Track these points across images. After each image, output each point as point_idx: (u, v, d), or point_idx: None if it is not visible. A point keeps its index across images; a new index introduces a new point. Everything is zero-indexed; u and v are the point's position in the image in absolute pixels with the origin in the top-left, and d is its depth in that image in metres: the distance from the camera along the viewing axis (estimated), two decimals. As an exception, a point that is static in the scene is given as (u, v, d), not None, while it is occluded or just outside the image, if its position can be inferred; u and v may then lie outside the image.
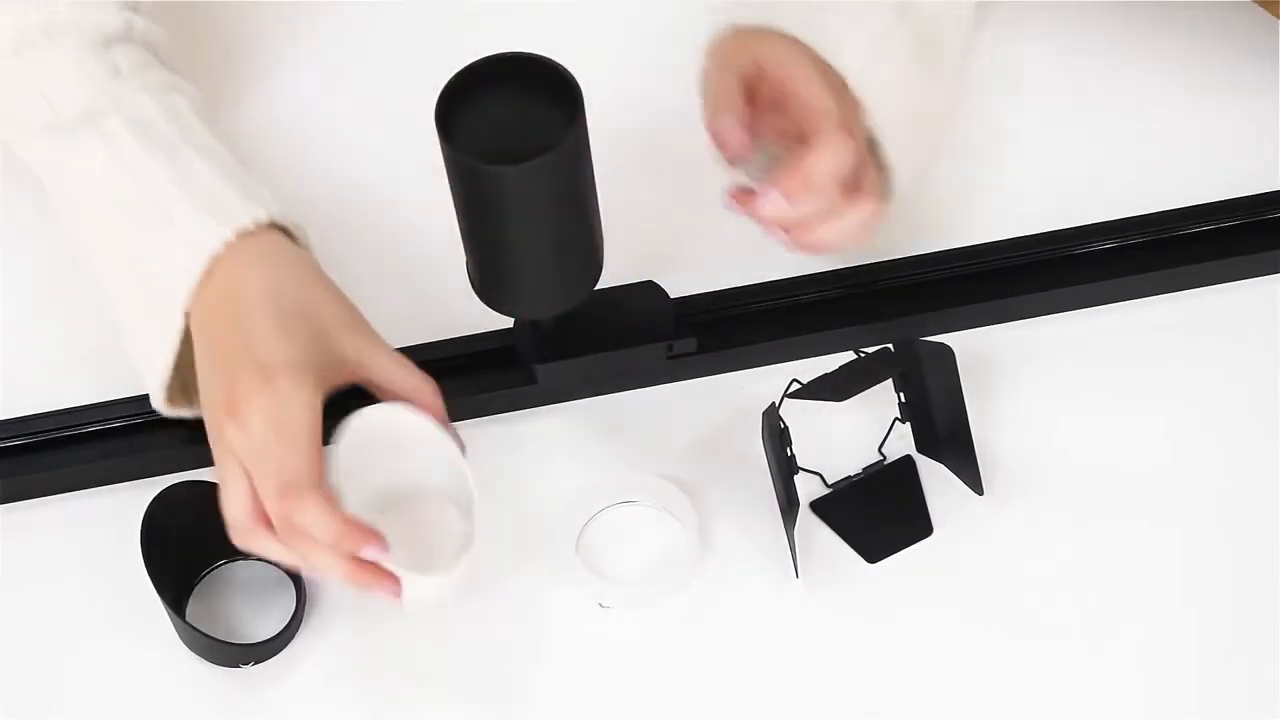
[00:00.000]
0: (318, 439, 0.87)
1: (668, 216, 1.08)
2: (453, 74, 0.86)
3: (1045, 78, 1.14)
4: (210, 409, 0.89)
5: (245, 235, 0.90)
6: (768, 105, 0.94)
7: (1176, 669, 0.92)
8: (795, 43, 0.94)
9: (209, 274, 0.89)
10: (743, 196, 0.92)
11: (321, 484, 0.86)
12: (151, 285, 0.91)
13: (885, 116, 0.95)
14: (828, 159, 0.89)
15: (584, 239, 0.92)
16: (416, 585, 0.88)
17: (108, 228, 0.93)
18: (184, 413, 0.95)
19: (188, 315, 0.90)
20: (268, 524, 0.87)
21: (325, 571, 0.86)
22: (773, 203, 0.90)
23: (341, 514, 0.85)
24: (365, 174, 1.10)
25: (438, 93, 0.86)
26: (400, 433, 0.92)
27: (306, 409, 0.86)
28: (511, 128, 0.87)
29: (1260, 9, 1.12)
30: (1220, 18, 1.14)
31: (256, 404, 0.85)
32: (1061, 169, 1.10)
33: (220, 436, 0.87)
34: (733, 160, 0.93)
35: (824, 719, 0.91)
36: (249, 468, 0.86)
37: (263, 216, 0.91)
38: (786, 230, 0.92)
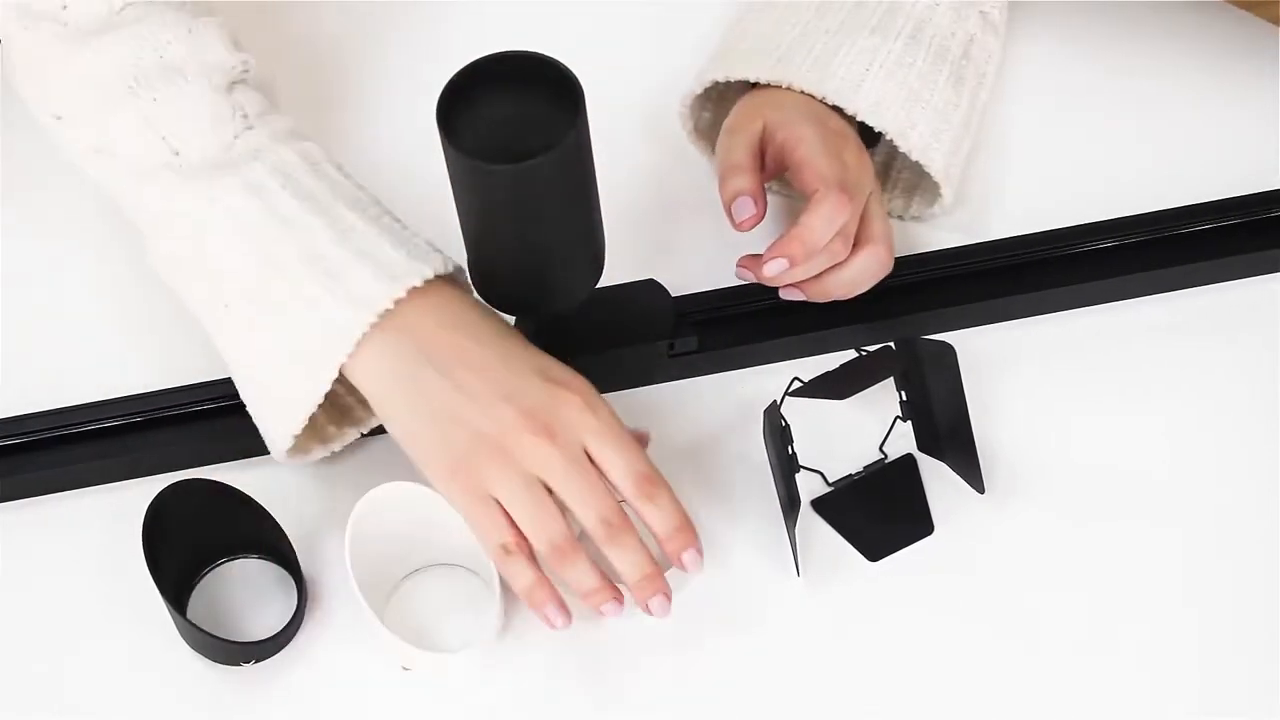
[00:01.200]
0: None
1: (669, 215, 1.08)
2: (454, 72, 0.86)
3: (1045, 78, 1.14)
4: (474, 444, 0.88)
5: (415, 292, 0.89)
6: (777, 166, 0.99)
7: (1177, 668, 0.92)
8: (802, 103, 0.99)
9: (378, 329, 0.88)
10: (750, 262, 0.97)
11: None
12: (302, 340, 0.89)
13: (914, 142, 1.00)
14: (824, 221, 0.94)
15: (585, 237, 0.92)
16: (441, 661, 0.92)
17: (248, 282, 0.90)
18: (298, 460, 0.95)
19: (341, 369, 0.89)
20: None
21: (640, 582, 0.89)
22: (775, 268, 0.95)
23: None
24: (365, 173, 1.09)
25: (438, 91, 0.86)
26: (411, 507, 0.92)
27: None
28: (512, 126, 0.86)
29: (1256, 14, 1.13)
30: (1218, 17, 1.14)
31: (573, 407, 0.88)
32: (1061, 169, 1.10)
33: (512, 460, 0.87)
34: (743, 229, 0.97)
35: (826, 716, 0.91)
36: (569, 478, 0.87)
37: (429, 274, 0.89)
38: (796, 286, 0.98)
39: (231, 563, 0.97)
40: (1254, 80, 1.12)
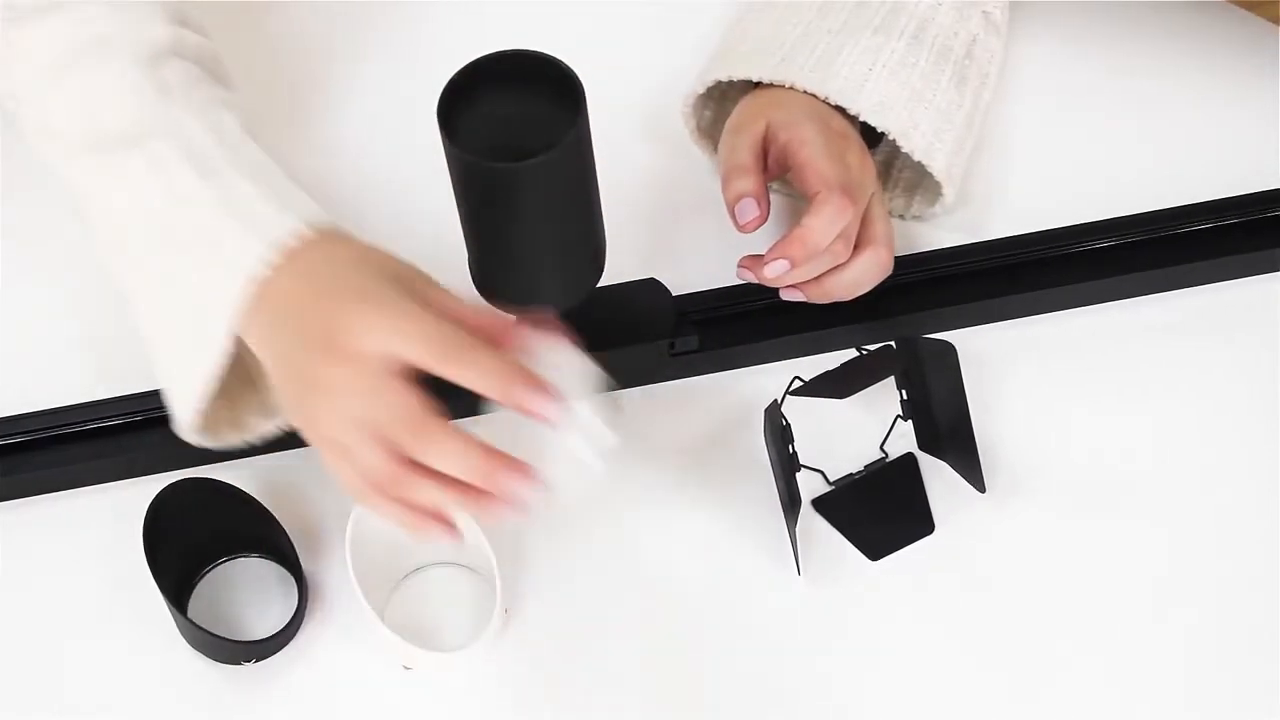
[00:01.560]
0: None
1: (669, 214, 1.08)
2: (455, 71, 0.86)
3: (1045, 77, 1.14)
4: (300, 385, 0.83)
5: (292, 252, 0.85)
6: (780, 167, 0.99)
7: (1177, 667, 0.92)
8: (805, 103, 0.99)
9: (260, 297, 0.85)
10: (751, 263, 0.97)
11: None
12: (196, 313, 0.87)
13: (917, 143, 1.00)
14: (826, 223, 0.94)
15: (586, 236, 0.92)
16: (442, 660, 0.91)
17: (148, 256, 0.89)
18: (210, 442, 0.92)
19: (238, 340, 0.86)
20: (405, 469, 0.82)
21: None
22: (776, 269, 0.95)
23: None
24: (366, 172, 1.10)
25: (439, 90, 0.86)
26: None
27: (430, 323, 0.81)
28: (514, 125, 0.86)
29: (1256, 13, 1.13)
30: (1218, 17, 1.14)
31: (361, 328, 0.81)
32: (1061, 168, 1.10)
33: (328, 394, 0.82)
34: (747, 231, 0.97)
35: (826, 716, 0.92)
36: (369, 413, 0.81)
37: (298, 227, 0.86)
38: (797, 286, 0.98)
39: (232, 562, 0.97)
40: (1254, 80, 1.12)
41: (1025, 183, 1.09)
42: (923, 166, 1.03)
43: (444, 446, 0.81)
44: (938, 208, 1.05)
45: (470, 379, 0.81)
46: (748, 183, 0.97)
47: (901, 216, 1.07)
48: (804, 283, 0.98)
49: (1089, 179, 1.09)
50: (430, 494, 0.82)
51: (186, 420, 0.90)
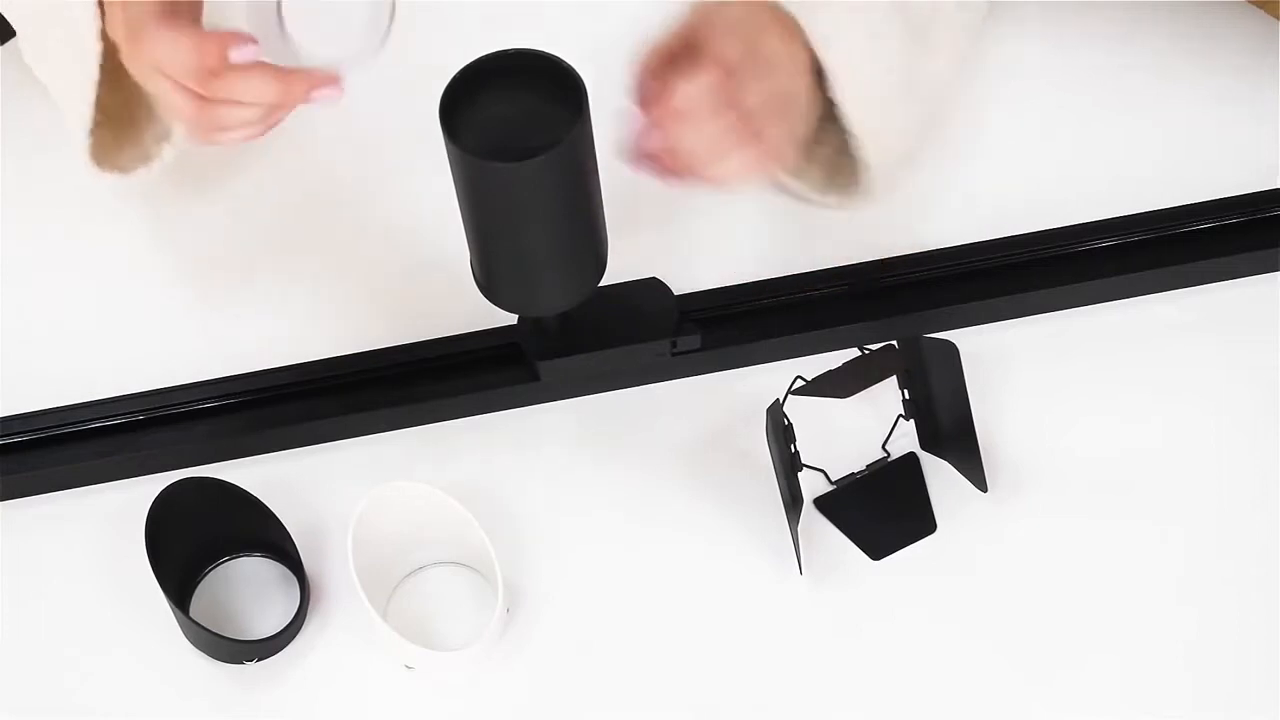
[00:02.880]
0: None
1: (671, 213, 1.08)
2: (457, 70, 0.86)
3: (1045, 77, 1.14)
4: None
5: None
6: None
7: (1178, 666, 0.92)
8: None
9: None
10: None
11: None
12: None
13: (858, 86, 0.94)
14: (691, 84, 0.86)
15: (588, 235, 0.92)
16: (443, 660, 0.91)
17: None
18: (112, 175, 0.95)
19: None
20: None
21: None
22: (645, 134, 0.89)
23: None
24: (369, 171, 1.09)
25: (441, 89, 0.86)
26: (412, 506, 0.92)
27: None
28: (515, 124, 0.86)
29: (1259, 9, 1.13)
30: (1218, 17, 1.15)
31: None
32: (1061, 168, 1.10)
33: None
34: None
35: (827, 715, 0.91)
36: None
37: None
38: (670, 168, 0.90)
39: (234, 561, 0.97)
40: (1255, 80, 1.12)
41: (1025, 182, 1.09)
42: (852, 142, 0.96)
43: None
44: (861, 191, 0.99)
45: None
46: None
47: (819, 199, 1.02)
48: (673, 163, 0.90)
49: (1089, 178, 1.09)
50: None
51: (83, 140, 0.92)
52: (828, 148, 1.01)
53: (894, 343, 0.95)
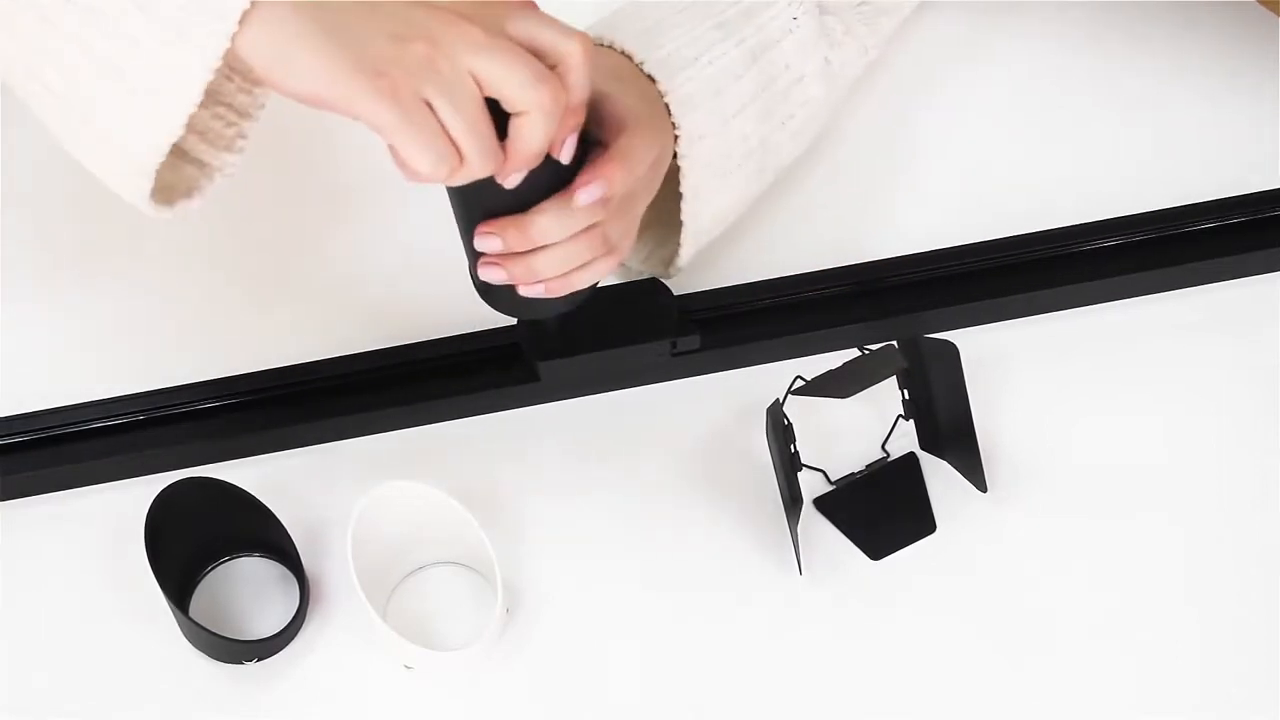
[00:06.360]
0: None
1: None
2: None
3: (1045, 76, 1.14)
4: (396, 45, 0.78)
5: None
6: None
7: (1179, 666, 0.92)
8: (618, 63, 0.92)
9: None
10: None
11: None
12: (178, 23, 0.77)
13: (701, 150, 0.94)
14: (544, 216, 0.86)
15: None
16: (443, 660, 0.91)
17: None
18: (166, 214, 0.85)
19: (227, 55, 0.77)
20: None
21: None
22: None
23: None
24: (368, 173, 1.09)
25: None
26: (412, 506, 0.92)
27: None
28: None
29: (1261, 6, 1.13)
30: (1221, 15, 1.15)
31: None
32: (1063, 167, 1.10)
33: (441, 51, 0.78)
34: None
35: (827, 715, 0.91)
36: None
37: None
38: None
39: (234, 561, 0.97)
40: (1255, 79, 1.12)
41: (1025, 182, 1.09)
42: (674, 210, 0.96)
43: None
44: (672, 267, 1.00)
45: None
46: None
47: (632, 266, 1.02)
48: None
49: (1089, 178, 1.09)
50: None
51: (148, 164, 0.82)
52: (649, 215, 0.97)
53: (894, 343, 0.95)
